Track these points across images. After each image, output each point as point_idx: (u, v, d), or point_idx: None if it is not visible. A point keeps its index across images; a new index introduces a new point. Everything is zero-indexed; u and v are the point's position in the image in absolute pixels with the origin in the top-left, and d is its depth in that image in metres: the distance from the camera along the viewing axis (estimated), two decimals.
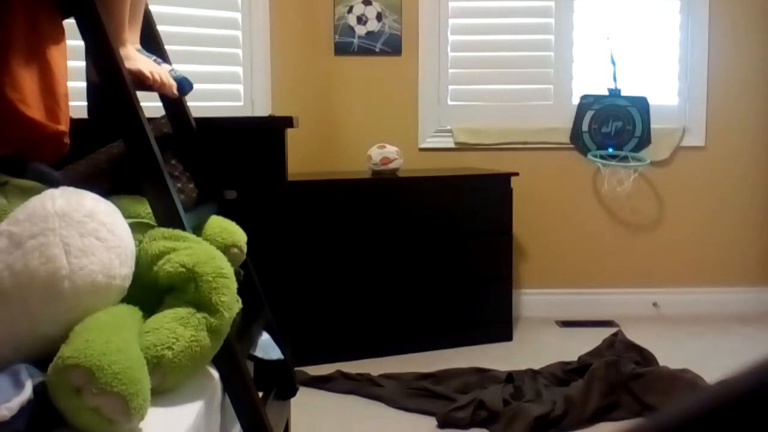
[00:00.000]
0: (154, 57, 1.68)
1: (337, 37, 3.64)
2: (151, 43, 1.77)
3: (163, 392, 1.19)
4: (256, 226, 1.79)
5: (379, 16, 3.64)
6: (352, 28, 3.64)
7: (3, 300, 1.07)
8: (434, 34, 3.70)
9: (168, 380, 1.20)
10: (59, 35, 1.59)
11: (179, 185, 1.75)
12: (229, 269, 1.33)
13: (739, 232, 3.80)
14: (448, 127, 3.74)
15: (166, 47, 1.84)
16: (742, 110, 3.77)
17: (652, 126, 3.71)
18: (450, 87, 3.74)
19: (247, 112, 3.37)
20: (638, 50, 3.76)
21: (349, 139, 3.67)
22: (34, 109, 1.49)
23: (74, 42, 1.59)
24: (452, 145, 3.73)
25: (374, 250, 3.12)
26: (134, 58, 1.58)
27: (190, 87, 1.74)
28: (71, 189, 1.19)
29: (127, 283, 1.22)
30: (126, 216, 1.29)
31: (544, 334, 3.45)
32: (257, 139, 2.13)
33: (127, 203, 1.52)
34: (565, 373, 2.75)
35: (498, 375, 2.74)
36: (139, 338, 1.17)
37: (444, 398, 2.56)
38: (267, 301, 1.83)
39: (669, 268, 3.80)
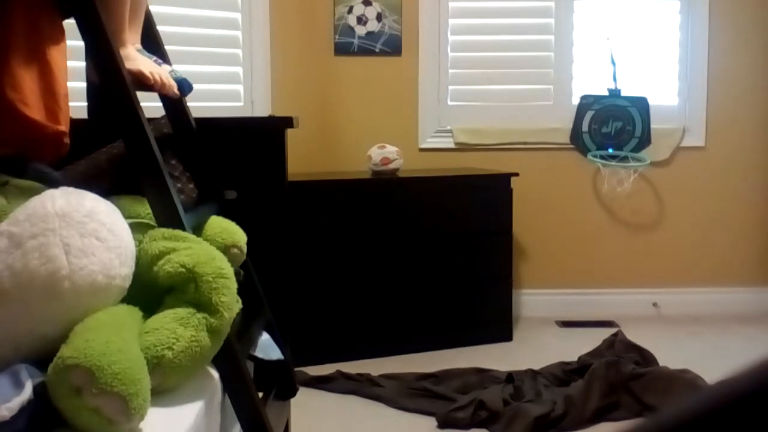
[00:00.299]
0: (155, 57, 1.68)
1: (337, 37, 3.64)
2: (152, 43, 1.77)
3: (163, 392, 1.19)
4: (256, 226, 1.79)
5: (379, 17, 3.64)
6: (352, 29, 3.64)
7: (3, 300, 1.07)
8: (434, 34, 3.69)
9: (168, 380, 1.20)
10: (59, 35, 1.59)
11: (179, 185, 1.75)
12: (229, 269, 1.33)
13: (739, 232, 3.80)
14: (448, 128, 3.74)
15: (166, 47, 1.84)
16: (742, 110, 3.77)
17: (652, 126, 3.71)
18: (450, 87, 3.74)
19: (247, 113, 3.36)
20: (638, 50, 3.76)
21: (349, 139, 3.67)
22: (34, 109, 1.49)
23: (74, 42, 1.59)
24: (452, 146, 3.73)
25: (374, 251, 3.12)
26: (134, 58, 1.58)
27: (190, 88, 1.74)
28: (71, 189, 1.19)
29: (127, 284, 1.22)
30: (126, 216, 1.29)
31: (544, 335, 3.45)
32: (257, 140, 2.13)
33: (127, 203, 1.52)
34: (565, 374, 2.75)
35: (498, 375, 2.74)
36: (139, 338, 1.17)
37: (444, 398, 2.56)
38: (267, 301, 1.83)
39: (669, 268, 3.80)
